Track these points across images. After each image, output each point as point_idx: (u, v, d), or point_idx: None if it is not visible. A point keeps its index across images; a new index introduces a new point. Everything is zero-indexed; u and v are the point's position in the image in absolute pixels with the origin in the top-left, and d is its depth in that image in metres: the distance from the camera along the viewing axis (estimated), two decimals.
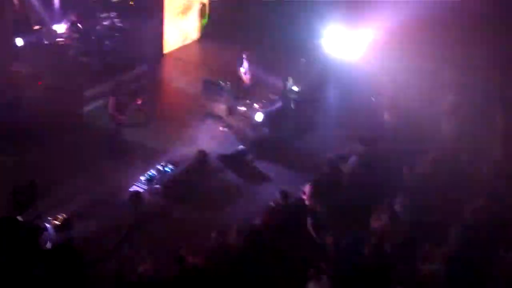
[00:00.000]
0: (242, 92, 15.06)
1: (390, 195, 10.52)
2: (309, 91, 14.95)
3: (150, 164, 12.30)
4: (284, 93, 13.49)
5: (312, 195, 10.43)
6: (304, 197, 10.65)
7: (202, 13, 18.54)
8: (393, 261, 8.83)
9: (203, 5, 18.39)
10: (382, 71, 14.56)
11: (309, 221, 10.24)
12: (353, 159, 11.51)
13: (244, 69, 14.66)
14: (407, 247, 9.35)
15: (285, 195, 10.09)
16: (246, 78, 14.67)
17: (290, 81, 13.31)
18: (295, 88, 14.17)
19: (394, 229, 9.45)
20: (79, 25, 15.00)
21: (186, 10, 17.42)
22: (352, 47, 15.86)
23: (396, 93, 13.91)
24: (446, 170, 11.02)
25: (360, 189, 10.85)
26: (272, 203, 9.98)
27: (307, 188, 10.91)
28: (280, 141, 13.51)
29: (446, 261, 8.26)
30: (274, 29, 17.94)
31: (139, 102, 12.96)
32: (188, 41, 18.27)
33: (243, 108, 14.96)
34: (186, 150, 12.91)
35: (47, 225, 9.10)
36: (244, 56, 14.79)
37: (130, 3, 15.95)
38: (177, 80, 16.05)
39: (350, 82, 14.89)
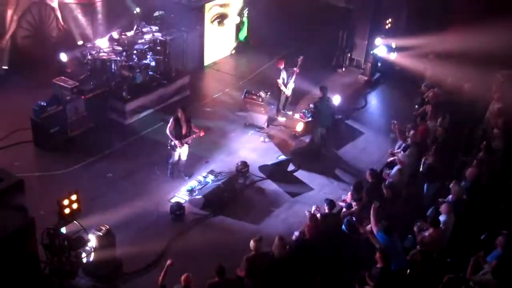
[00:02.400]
0: (282, 103, 14.99)
1: (435, 205, 10.34)
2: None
3: (191, 175, 12.39)
4: (323, 103, 13.33)
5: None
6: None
7: (240, 26, 18.54)
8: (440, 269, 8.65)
9: (241, 18, 18.37)
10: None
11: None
12: (396, 168, 11.35)
13: (282, 79, 14.55)
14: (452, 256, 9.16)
15: (330, 204, 9.99)
16: (285, 88, 14.54)
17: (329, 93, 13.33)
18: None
19: (438, 238, 9.27)
20: (121, 39, 15.21)
21: (223, 19, 17.45)
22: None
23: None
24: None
25: (402, 198, 10.70)
26: (316, 212, 9.90)
27: (348, 197, 10.82)
28: (321, 150, 13.39)
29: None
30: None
31: (202, 134, 12.38)
32: (229, 53, 18.36)
33: (283, 119, 14.95)
34: (227, 161, 12.95)
35: (91, 236, 9.21)
36: (281, 66, 14.65)
37: None
38: (218, 92, 16.12)
39: None
